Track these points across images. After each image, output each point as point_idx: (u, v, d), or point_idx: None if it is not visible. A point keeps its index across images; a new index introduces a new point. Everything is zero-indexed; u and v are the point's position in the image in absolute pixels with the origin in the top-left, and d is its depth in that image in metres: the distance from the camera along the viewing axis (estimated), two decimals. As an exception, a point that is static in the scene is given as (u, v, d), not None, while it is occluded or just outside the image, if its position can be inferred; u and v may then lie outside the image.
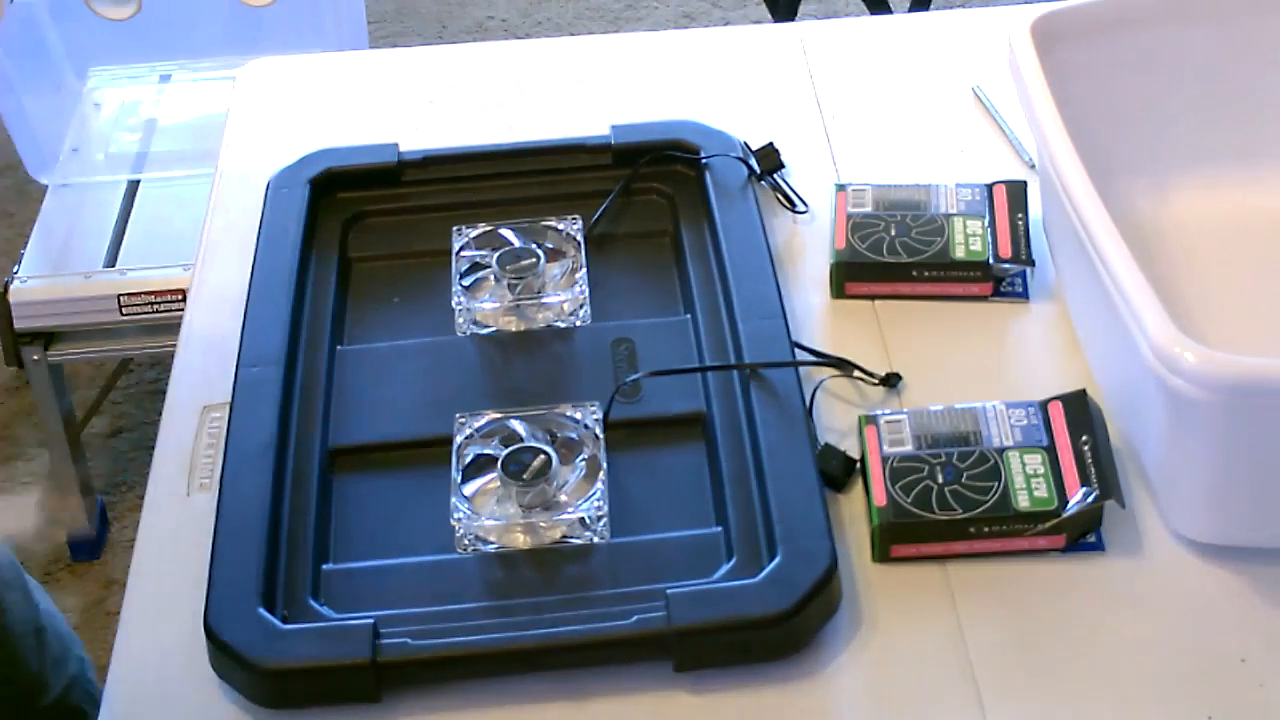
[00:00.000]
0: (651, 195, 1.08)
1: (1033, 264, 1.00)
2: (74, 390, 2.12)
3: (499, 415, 0.90)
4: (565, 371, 0.97)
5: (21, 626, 1.03)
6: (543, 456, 0.86)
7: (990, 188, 1.05)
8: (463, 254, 1.01)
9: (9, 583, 1.03)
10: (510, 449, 0.87)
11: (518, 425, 0.88)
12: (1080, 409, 0.89)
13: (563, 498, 0.86)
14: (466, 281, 0.99)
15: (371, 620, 0.79)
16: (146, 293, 1.80)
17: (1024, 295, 1.01)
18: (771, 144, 1.10)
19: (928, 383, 0.95)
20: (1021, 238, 1.01)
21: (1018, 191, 1.04)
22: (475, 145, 1.12)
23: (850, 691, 0.79)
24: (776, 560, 0.81)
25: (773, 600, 0.79)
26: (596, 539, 0.85)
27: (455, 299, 0.98)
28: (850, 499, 0.89)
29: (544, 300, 0.98)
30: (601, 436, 0.88)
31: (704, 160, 1.08)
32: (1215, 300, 0.98)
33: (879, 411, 0.91)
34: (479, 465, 0.87)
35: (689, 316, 0.99)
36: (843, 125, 1.16)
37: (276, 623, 0.80)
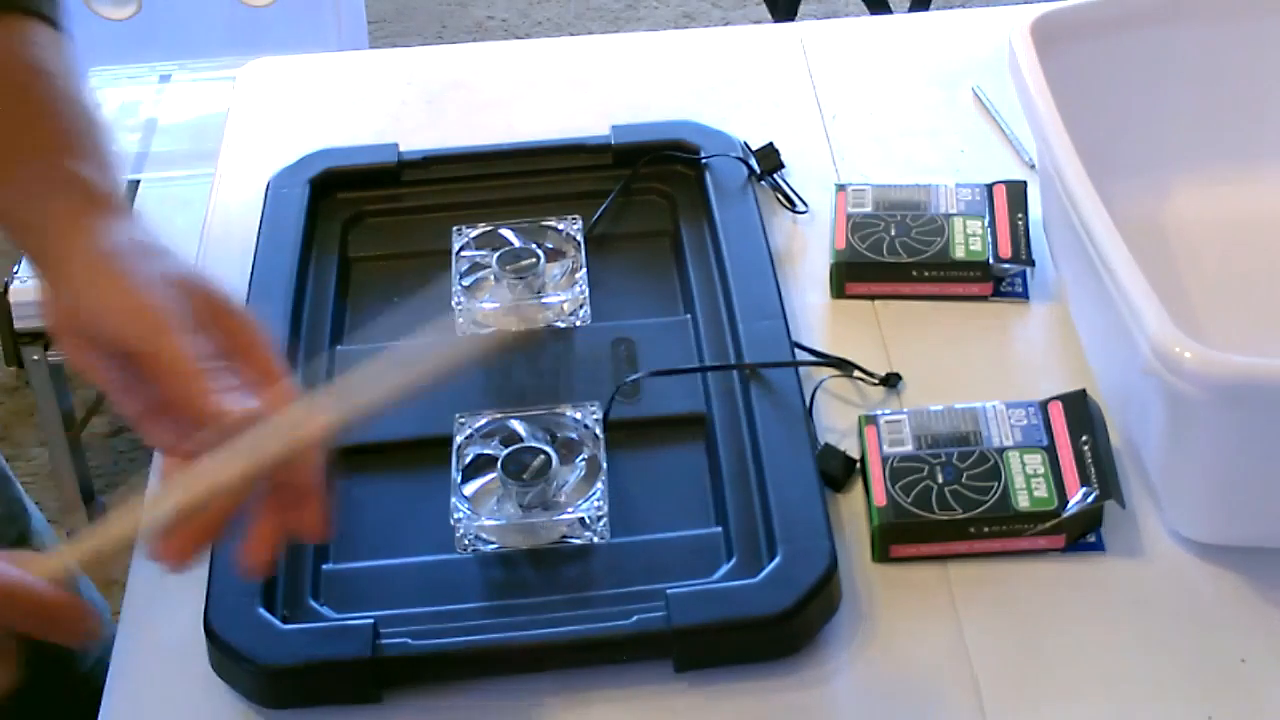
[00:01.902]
0: (651, 195, 1.08)
1: (1033, 264, 1.00)
2: (74, 390, 2.12)
3: (499, 415, 0.90)
4: (565, 371, 0.97)
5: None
6: (543, 456, 0.86)
7: (990, 188, 1.05)
8: (463, 254, 1.01)
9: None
10: (510, 449, 0.87)
11: (518, 425, 0.88)
12: (1080, 409, 0.89)
13: (563, 498, 0.86)
14: (466, 281, 0.99)
15: (371, 620, 0.79)
16: (146, 293, 1.80)
17: (1024, 295, 1.01)
18: (771, 144, 1.10)
19: (928, 383, 0.95)
20: (1021, 238, 1.01)
21: (1018, 191, 1.04)
22: (475, 145, 1.12)
23: (850, 691, 0.79)
24: (776, 560, 0.81)
25: (773, 600, 0.79)
26: (596, 539, 0.85)
27: (455, 299, 0.98)
28: (850, 499, 0.89)
29: (544, 300, 0.98)
30: (601, 436, 0.88)
31: (704, 160, 1.08)
32: (1215, 300, 0.98)
33: (879, 411, 0.91)
34: (479, 465, 0.87)
35: (689, 316, 0.99)
36: (843, 125, 1.16)
37: (276, 623, 0.80)
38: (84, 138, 0.74)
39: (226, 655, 0.79)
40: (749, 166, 1.07)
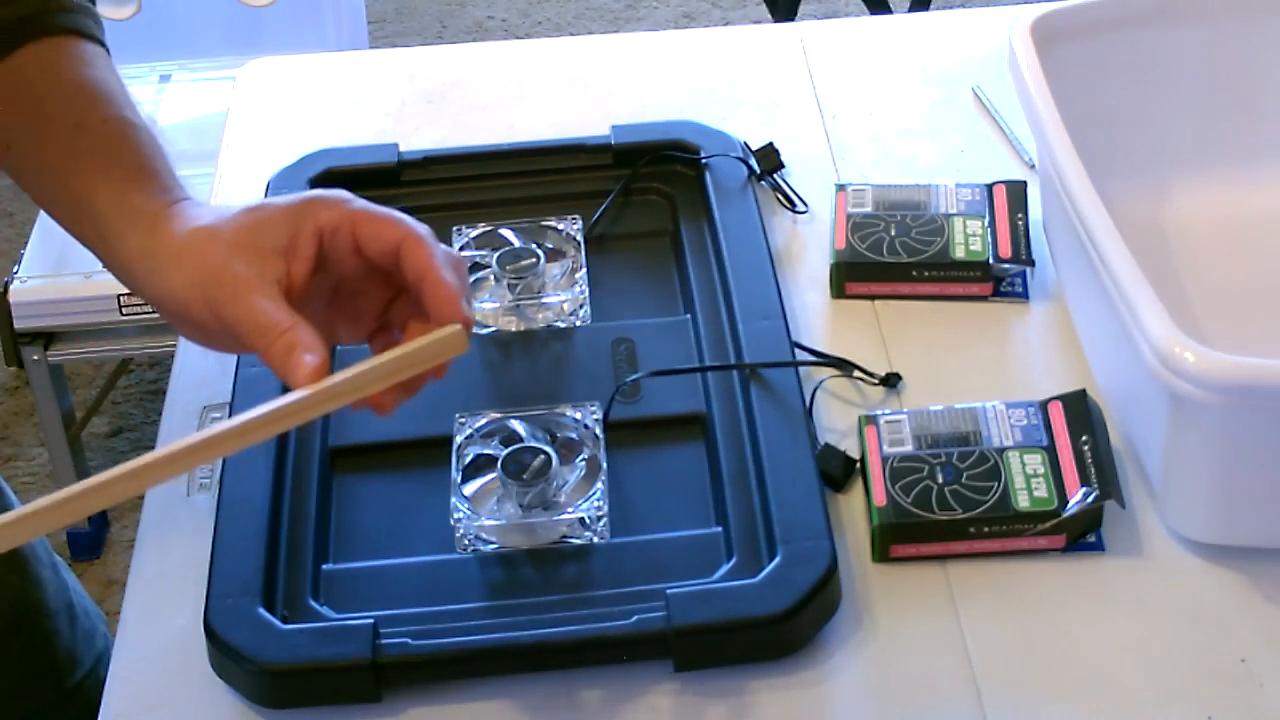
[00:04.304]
0: (651, 195, 1.08)
1: (1033, 264, 1.00)
2: (74, 390, 2.12)
3: (499, 415, 0.90)
4: (565, 371, 0.97)
5: (54, 602, 1.04)
6: (543, 456, 0.86)
7: (990, 188, 1.05)
8: (463, 254, 1.01)
9: (40, 559, 1.03)
10: (510, 449, 0.87)
11: (518, 425, 0.88)
12: (1080, 409, 0.89)
13: (563, 498, 0.86)
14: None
15: (371, 620, 0.79)
16: (146, 293, 1.80)
17: (1024, 295, 1.01)
18: (771, 144, 1.10)
19: (928, 383, 0.95)
20: (1021, 238, 1.01)
21: (1018, 191, 1.04)
22: (475, 145, 1.12)
23: (850, 691, 0.79)
24: (776, 560, 0.81)
25: (773, 600, 0.79)
26: (596, 539, 0.85)
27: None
28: (850, 499, 0.89)
29: (544, 300, 0.98)
30: (601, 436, 0.88)
31: (704, 160, 1.08)
32: (1215, 300, 0.98)
33: (879, 411, 0.91)
34: (479, 465, 0.87)
35: (689, 316, 0.99)
36: (843, 125, 1.16)
37: (276, 623, 0.80)
38: (144, 158, 0.75)
39: (226, 655, 0.79)
40: (749, 166, 1.07)
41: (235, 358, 0.94)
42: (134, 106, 0.78)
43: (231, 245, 0.70)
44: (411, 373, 0.69)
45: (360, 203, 0.72)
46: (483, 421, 0.89)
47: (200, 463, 0.67)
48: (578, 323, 0.98)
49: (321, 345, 0.68)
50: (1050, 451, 0.87)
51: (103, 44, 0.80)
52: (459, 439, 0.88)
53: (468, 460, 0.87)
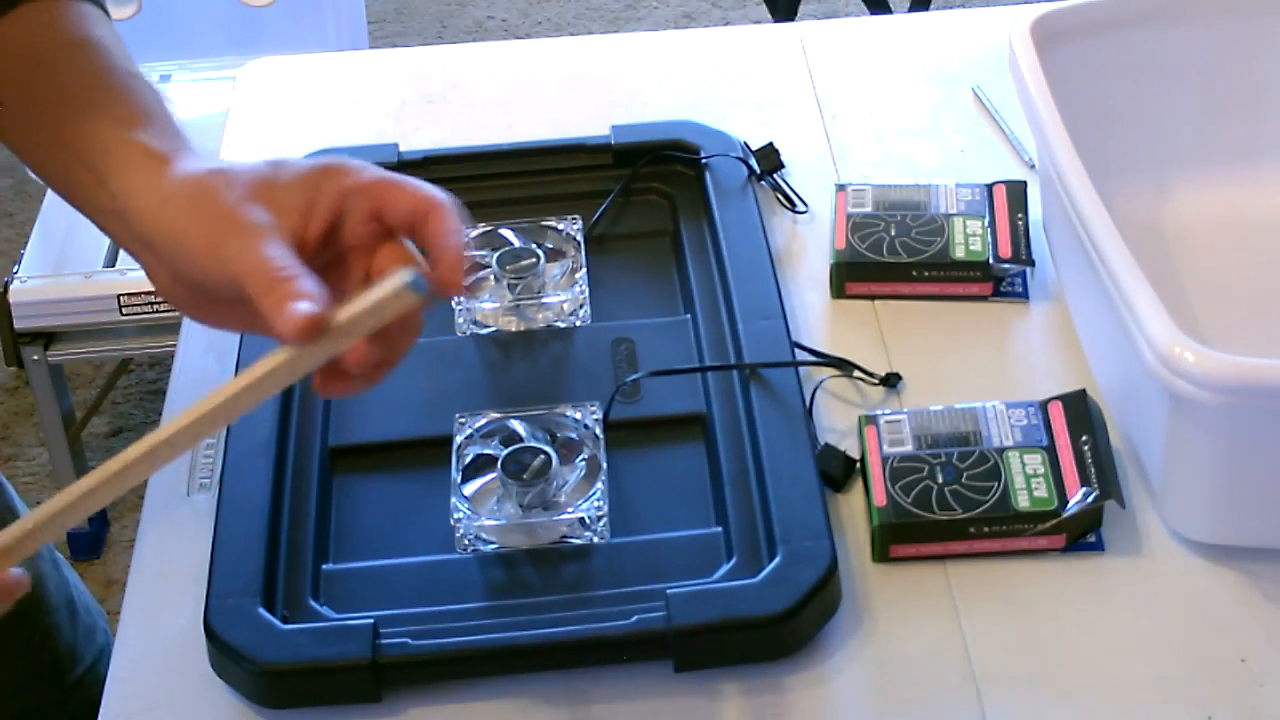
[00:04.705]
0: (651, 195, 1.08)
1: (1033, 264, 1.00)
2: (74, 390, 2.12)
3: (499, 415, 0.90)
4: (565, 371, 0.97)
5: (54, 598, 1.04)
6: (543, 456, 0.86)
7: (990, 188, 1.05)
8: (463, 254, 1.01)
9: (40, 554, 1.03)
10: (510, 449, 0.87)
11: (518, 425, 0.88)
12: (1080, 409, 0.89)
13: (563, 498, 0.86)
14: (467, 281, 0.99)
15: (371, 620, 0.79)
16: (146, 292, 1.80)
17: (1024, 295, 1.01)
18: (771, 144, 1.10)
19: (928, 383, 0.95)
20: (1021, 238, 1.01)
21: (1018, 191, 1.04)
22: (475, 145, 1.12)
23: (850, 691, 0.79)
24: (776, 560, 0.81)
25: (773, 600, 0.79)
26: (596, 539, 0.85)
27: (455, 299, 0.98)
28: (850, 499, 0.89)
29: (544, 300, 0.98)
30: (601, 436, 0.88)
31: (704, 160, 1.08)
32: (1215, 300, 0.98)
33: (879, 411, 0.91)
34: (479, 465, 0.87)
35: (689, 316, 0.99)
36: (843, 125, 1.16)
37: (276, 623, 0.80)
38: (149, 106, 0.74)
39: (226, 655, 0.79)
40: (749, 166, 1.07)
41: (235, 359, 0.94)
42: (135, 63, 0.76)
43: (250, 189, 0.68)
44: (374, 311, 0.66)
45: (381, 170, 0.71)
46: (483, 421, 0.89)
47: (182, 450, 0.66)
48: (578, 323, 0.98)
49: (323, 298, 0.65)
50: (1050, 451, 0.87)
51: (102, 6, 0.80)
52: (459, 439, 0.88)
53: (468, 460, 0.87)
